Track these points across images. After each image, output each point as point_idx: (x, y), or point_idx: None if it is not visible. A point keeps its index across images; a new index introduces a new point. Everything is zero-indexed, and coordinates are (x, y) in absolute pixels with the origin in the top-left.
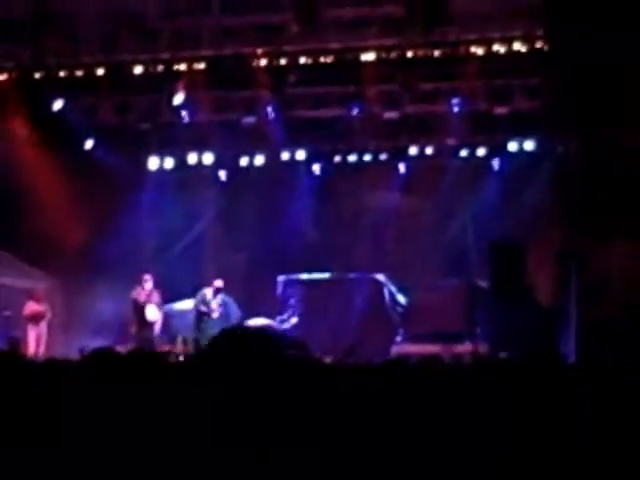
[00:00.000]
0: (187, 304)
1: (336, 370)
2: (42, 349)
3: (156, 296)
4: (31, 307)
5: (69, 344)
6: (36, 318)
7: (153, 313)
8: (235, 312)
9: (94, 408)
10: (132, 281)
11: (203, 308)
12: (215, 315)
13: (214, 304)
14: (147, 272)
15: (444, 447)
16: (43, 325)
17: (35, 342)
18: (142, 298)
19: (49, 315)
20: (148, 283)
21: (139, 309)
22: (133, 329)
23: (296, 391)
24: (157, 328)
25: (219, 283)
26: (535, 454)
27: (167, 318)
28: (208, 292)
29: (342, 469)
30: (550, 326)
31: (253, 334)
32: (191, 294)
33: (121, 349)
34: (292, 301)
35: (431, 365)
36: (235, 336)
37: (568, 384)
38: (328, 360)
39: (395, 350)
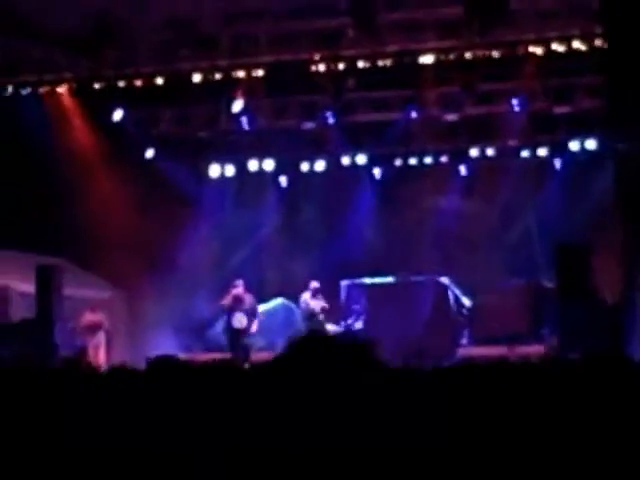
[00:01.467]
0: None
1: (406, 374)
2: (102, 359)
3: (247, 302)
4: (87, 317)
5: (135, 353)
6: (93, 329)
7: (238, 320)
8: (299, 319)
9: (161, 416)
10: (195, 288)
11: (310, 311)
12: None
13: (316, 304)
14: (239, 278)
15: (516, 445)
16: (101, 335)
17: (93, 352)
18: (226, 305)
19: (107, 325)
20: (236, 289)
21: (227, 317)
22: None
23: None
24: (251, 333)
25: (315, 284)
26: (600, 454)
27: None
28: (306, 295)
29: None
30: (617, 326)
31: (335, 339)
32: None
33: (185, 357)
34: (356, 306)
35: (501, 366)
36: (317, 342)
37: (635, 385)
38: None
39: (461, 353)
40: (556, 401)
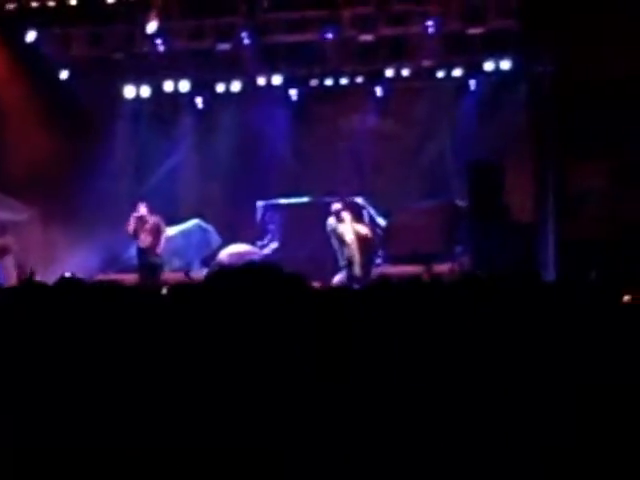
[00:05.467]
0: (169, 232)
1: (326, 294)
2: (12, 282)
3: (150, 222)
4: None
5: (50, 275)
6: (0, 252)
7: (141, 240)
8: (215, 239)
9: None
10: (110, 209)
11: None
12: (348, 237)
13: (343, 227)
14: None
15: (434, 362)
16: (9, 259)
17: (3, 275)
18: (131, 230)
19: (15, 249)
20: (137, 213)
21: (134, 239)
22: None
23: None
24: (159, 251)
25: (337, 206)
26: (511, 371)
27: None
28: (331, 220)
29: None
30: (528, 244)
31: (249, 271)
32: (170, 223)
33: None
34: (272, 226)
35: (414, 284)
36: (230, 274)
37: (545, 301)
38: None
39: (375, 272)
40: (467, 319)
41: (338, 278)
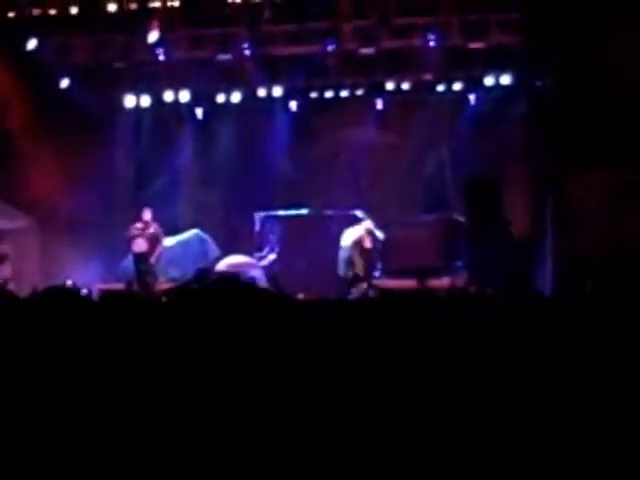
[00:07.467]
0: (167, 242)
1: (312, 305)
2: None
3: (151, 229)
4: None
5: (48, 283)
6: None
7: (137, 244)
8: (213, 250)
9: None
10: (109, 218)
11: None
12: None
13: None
14: (152, 208)
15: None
16: (7, 267)
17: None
18: (130, 233)
19: (13, 256)
20: (144, 216)
21: (129, 244)
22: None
23: (271, 327)
24: (152, 260)
25: (368, 224)
26: (505, 381)
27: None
28: (358, 232)
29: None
30: (526, 259)
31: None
32: (169, 232)
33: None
34: (270, 237)
35: (413, 297)
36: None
37: (540, 318)
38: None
39: (373, 284)
40: (461, 333)
41: (356, 291)
